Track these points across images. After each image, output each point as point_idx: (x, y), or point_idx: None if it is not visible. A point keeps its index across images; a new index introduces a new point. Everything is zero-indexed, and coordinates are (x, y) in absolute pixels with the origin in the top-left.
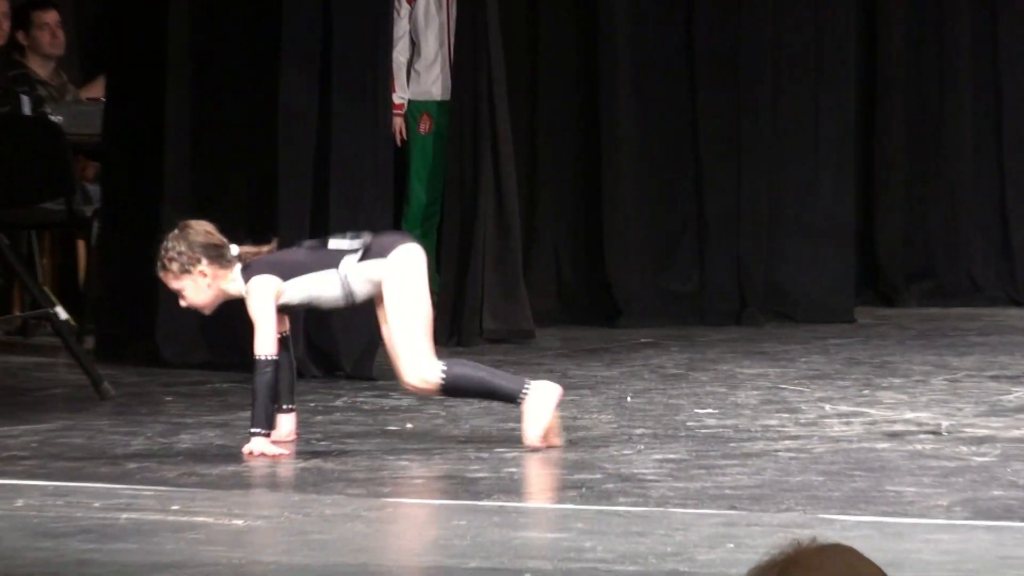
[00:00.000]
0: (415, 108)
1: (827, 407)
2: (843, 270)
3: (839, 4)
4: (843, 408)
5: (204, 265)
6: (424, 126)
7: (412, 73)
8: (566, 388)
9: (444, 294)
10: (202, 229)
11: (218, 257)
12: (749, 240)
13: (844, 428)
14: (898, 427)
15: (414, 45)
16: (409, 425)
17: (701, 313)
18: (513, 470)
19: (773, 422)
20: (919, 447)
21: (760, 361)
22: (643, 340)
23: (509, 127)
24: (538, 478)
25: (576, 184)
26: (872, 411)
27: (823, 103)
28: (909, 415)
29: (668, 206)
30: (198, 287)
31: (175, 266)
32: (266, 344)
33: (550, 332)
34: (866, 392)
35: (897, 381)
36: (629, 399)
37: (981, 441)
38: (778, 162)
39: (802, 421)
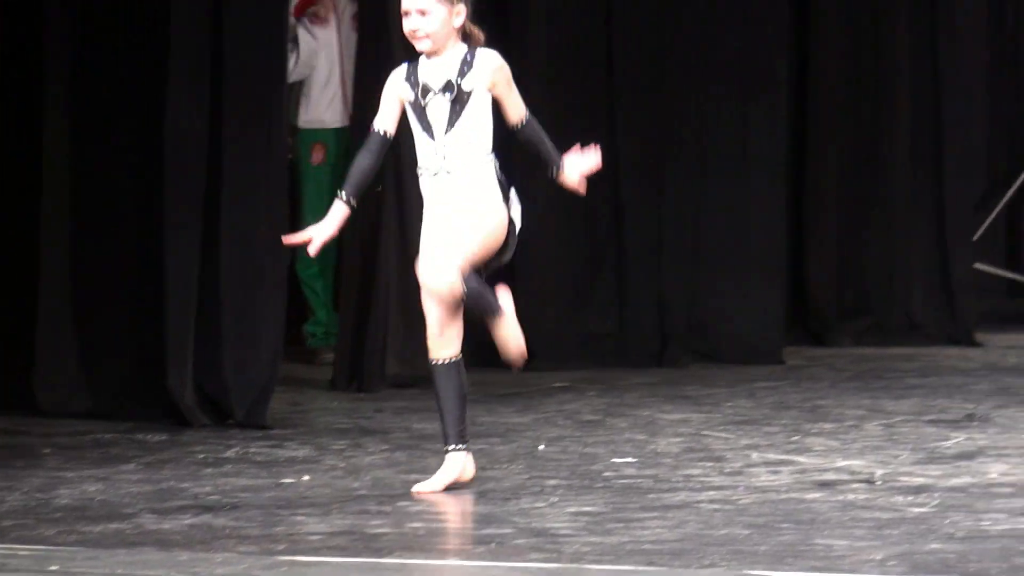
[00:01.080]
0: (307, 137)
1: (754, 455)
2: (772, 307)
3: (769, 16)
4: (771, 456)
5: (464, 8)
6: (317, 156)
7: (303, 99)
8: (475, 437)
9: (344, 336)
10: None
11: (470, 14)
12: (671, 274)
13: (772, 477)
14: (829, 476)
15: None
16: (305, 477)
17: (620, 354)
18: (417, 525)
19: (696, 471)
20: (851, 497)
21: (683, 406)
22: (557, 384)
23: (414, 156)
24: (444, 533)
25: None
26: (802, 459)
27: (752, 123)
28: (841, 463)
29: (584, 237)
30: (445, 21)
31: None
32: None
33: None
34: (795, 439)
35: (828, 427)
36: (542, 448)
37: (918, 490)
38: (703, 187)
39: (727, 470)
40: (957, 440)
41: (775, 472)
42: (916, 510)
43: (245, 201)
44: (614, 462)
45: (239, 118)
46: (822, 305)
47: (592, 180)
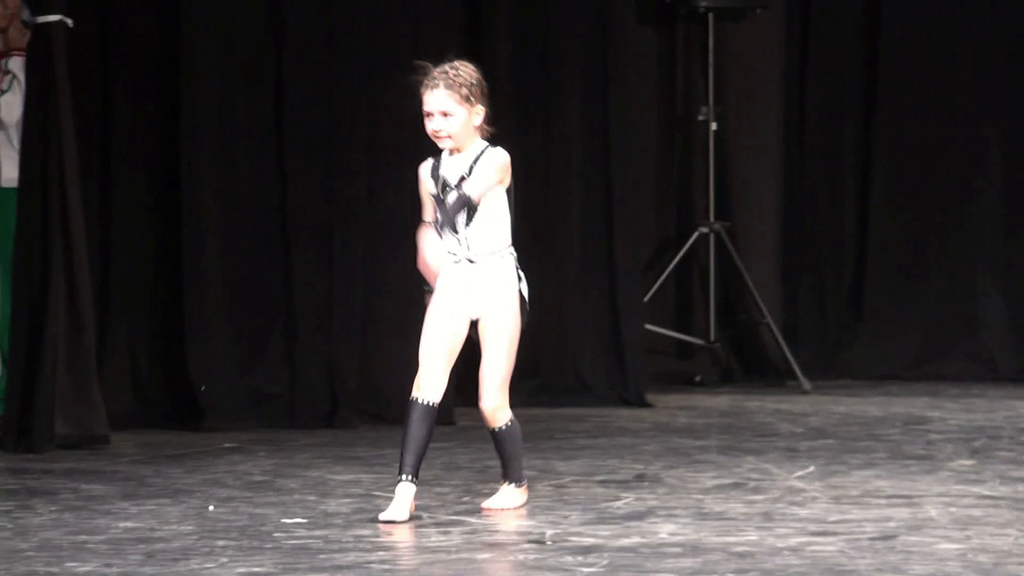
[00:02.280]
0: (8, 196)
1: (424, 515)
2: None
3: None
4: (441, 516)
5: (483, 109)
6: None
7: (3, 160)
8: (143, 496)
9: (11, 396)
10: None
11: (488, 114)
12: (342, 336)
13: (442, 538)
14: (500, 536)
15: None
16: None
17: (291, 415)
18: None
19: (366, 532)
20: (522, 558)
21: (353, 466)
22: (227, 445)
23: (81, 213)
24: None
25: (154, 273)
26: (472, 520)
27: None
28: (512, 523)
29: (255, 298)
30: (466, 122)
31: (465, 91)
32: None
33: (126, 436)
34: (466, 499)
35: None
36: (212, 508)
37: (588, 551)
38: (373, 252)
39: (397, 531)
40: (627, 500)
41: (445, 532)
42: (586, 570)
43: None
44: (284, 523)
45: None
46: None
47: (262, 242)
